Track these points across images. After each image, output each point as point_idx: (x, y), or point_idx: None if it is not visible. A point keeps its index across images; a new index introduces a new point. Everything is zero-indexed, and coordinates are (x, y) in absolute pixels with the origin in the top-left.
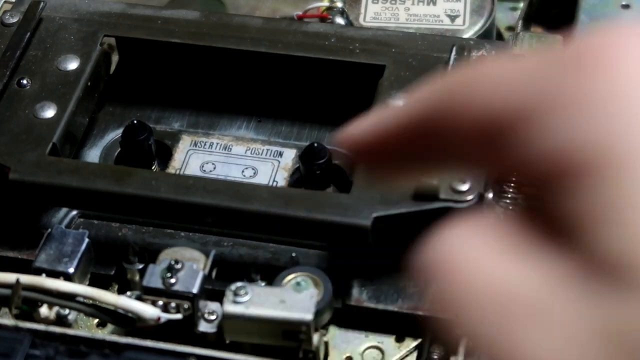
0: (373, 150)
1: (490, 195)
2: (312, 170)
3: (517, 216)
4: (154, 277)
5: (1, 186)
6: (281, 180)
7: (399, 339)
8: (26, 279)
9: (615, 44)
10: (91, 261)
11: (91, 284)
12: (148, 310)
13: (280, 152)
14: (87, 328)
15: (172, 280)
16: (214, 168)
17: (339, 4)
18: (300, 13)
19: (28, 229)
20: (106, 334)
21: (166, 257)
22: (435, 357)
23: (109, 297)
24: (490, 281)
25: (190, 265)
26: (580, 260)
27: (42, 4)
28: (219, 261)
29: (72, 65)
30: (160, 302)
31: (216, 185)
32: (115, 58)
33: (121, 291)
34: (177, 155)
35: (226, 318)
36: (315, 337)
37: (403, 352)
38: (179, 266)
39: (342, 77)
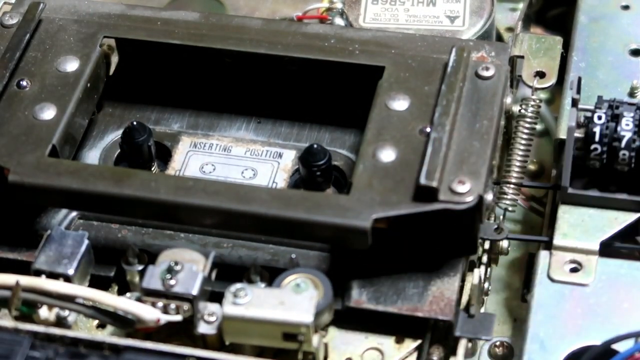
0: None
1: (490, 196)
2: (311, 172)
3: None
4: (153, 279)
5: (1, 188)
6: (281, 181)
7: (399, 341)
8: (26, 280)
9: None
10: (91, 262)
11: (91, 286)
12: (148, 312)
13: (279, 153)
14: (86, 329)
15: (172, 282)
16: (214, 169)
17: (339, 5)
18: (299, 14)
19: (27, 230)
20: (106, 335)
21: (166, 258)
22: (435, 358)
23: (108, 299)
24: None
25: (189, 267)
26: None
27: (41, 5)
28: (218, 262)
29: (72, 66)
30: (160, 304)
31: (216, 187)
32: (114, 59)
33: (121, 292)
34: (177, 156)
35: (226, 319)
36: (315, 339)
37: (403, 353)
38: (178, 268)
39: (341, 78)
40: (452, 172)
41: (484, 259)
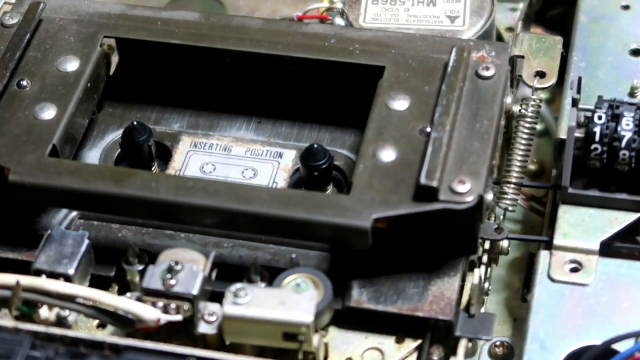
0: None
1: (490, 196)
2: (311, 172)
3: None
4: (153, 279)
5: (1, 187)
6: (281, 181)
7: (399, 340)
8: (26, 280)
9: None
10: (91, 262)
11: (91, 285)
12: (148, 312)
13: (280, 153)
14: (87, 329)
15: (172, 282)
16: (214, 169)
17: (339, 5)
18: (300, 14)
19: (28, 230)
20: (106, 335)
21: (166, 258)
22: (435, 358)
23: (108, 299)
24: None
25: (190, 267)
26: None
27: (41, 5)
28: (218, 262)
29: (72, 66)
30: (160, 304)
31: (216, 187)
32: (114, 59)
33: (121, 292)
34: (177, 156)
35: (226, 319)
36: (315, 339)
37: (403, 353)
38: (178, 267)
39: (341, 78)
40: (452, 172)
41: (484, 258)
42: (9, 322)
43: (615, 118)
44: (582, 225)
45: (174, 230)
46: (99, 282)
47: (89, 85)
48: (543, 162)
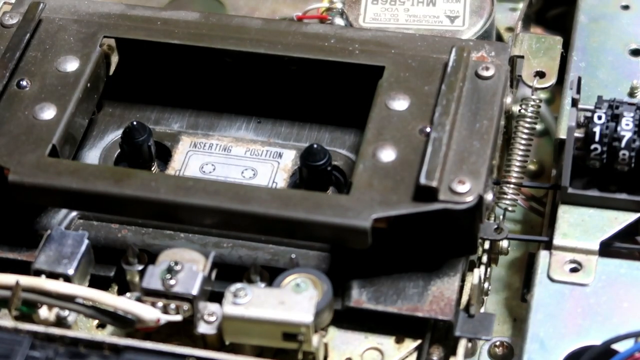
0: None
1: (490, 196)
2: (311, 172)
3: None
4: (153, 279)
5: (1, 187)
6: (281, 181)
7: (399, 340)
8: (26, 280)
9: None
10: (91, 262)
11: (91, 285)
12: (148, 312)
13: (279, 153)
14: (86, 329)
15: (172, 282)
16: (214, 169)
17: (339, 5)
18: (299, 14)
19: (27, 230)
20: (106, 335)
21: (166, 258)
22: (435, 358)
23: (108, 299)
24: None
25: (189, 267)
26: None
27: (41, 5)
28: (218, 262)
29: (72, 66)
30: (160, 304)
31: (216, 187)
32: (114, 59)
33: (121, 292)
34: (177, 156)
35: (226, 319)
36: (315, 339)
37: (402, 353)
38: (178, 267)
39: (341, 78)
40: (452, 172)
41: (484, 258)
42: (8, 322)
43: (615, 118)
44: (582, 225)
45: (173, 230)
46: (98, 282)
47: (88, 85)
48: (543, 162)
